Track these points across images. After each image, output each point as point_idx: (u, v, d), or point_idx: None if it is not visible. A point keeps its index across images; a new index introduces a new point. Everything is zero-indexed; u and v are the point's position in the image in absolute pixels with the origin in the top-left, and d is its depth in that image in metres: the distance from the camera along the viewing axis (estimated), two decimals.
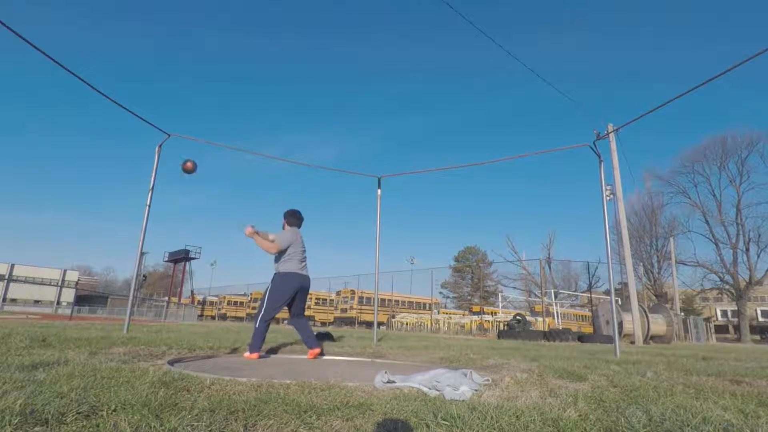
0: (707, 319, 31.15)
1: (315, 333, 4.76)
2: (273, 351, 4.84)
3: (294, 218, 4.73)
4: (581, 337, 13.95)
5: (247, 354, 4.11)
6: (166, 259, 49.44)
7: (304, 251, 4.62)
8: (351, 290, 30.21)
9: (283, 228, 4.70)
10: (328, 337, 6.98)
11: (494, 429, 1.49)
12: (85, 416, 1.42)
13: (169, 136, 6.47)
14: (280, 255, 4.45)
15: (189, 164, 4.71)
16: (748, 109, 62.09)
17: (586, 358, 5.08)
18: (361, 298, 29.17)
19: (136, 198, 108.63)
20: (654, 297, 32.65)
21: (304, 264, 4.55)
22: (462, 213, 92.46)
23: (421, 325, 25.32)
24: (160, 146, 6.42)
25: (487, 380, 2.61)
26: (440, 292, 47.64)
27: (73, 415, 1.41)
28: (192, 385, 2.07)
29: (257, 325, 4.24)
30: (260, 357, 4.17)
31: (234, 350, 4.50)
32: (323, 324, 29.91)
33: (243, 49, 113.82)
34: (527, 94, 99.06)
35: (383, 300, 29.46)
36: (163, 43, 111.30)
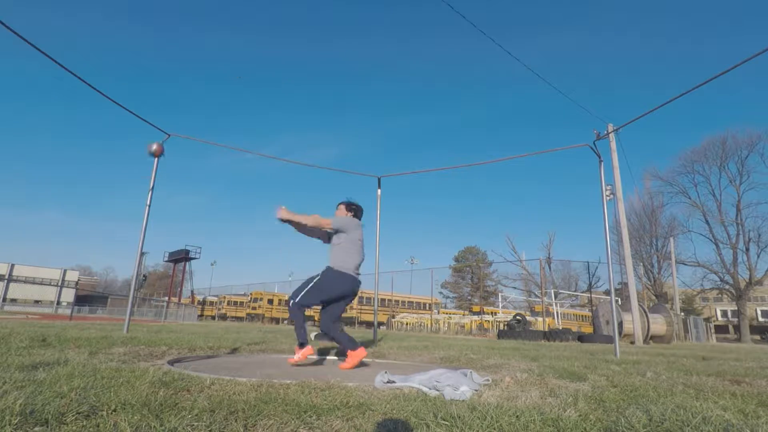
0: (707, 319, 31.17)
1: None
2: (273, 351, 4.83)
3: (354, 210, 4.08)
4: (581, 337, 13.94)
5: (293, 358, 3.59)
6: (166, 259, 49.41)
7: (362, 249, 3.94)
8: None
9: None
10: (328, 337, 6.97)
11: (494, 429, 1.49)
12: (85, 416, 1.42)
13: (169, 136, 6.47)
14: (337, 242, 3.85)
15: (155, 147, 4.58)
16: (749, 109, 62.18)
17: (586, 358, 5.08)
18: (361, 298, 29.15)
19: (136, 198, 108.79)
20: (654, 297, 32.65)
21: (360, 265, 3.91)
22: (462, 213, 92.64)
23: (421, 325, 25.31)
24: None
25: (487, 380, 2.61)
26: (440, 292, 47.73)
27: (73, 415, 1.41)
28: (192, 385, 2.07)
29: (290, 307, 3.71)
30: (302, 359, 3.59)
31: (234, 350, 4.50)
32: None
33: (243, 49, 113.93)
34: (527, 94, 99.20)
35: (383, 300, 29.46)
36: (163, 43, 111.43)
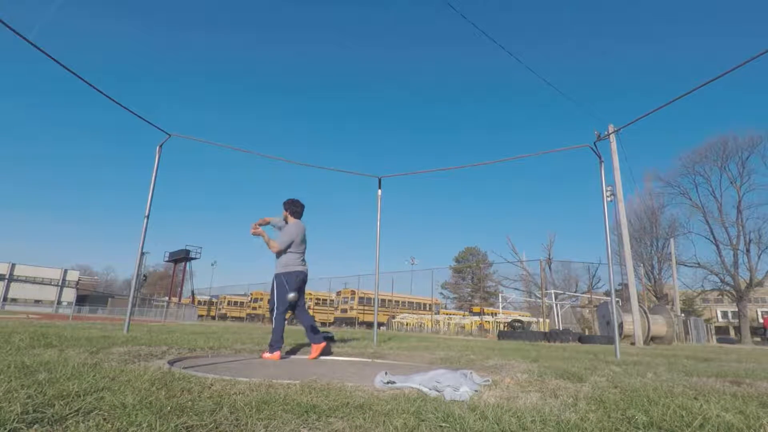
0: (708, 321, 31.12)
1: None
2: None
3: (297, 207, 4.73)
4: (581, 338, 13.95)
5: (267, 354, 4.12)
6: (167, 259, 49.43)
7: (305, 245, 4.66)
8: (351, 290, 30.20)
9: (286, 220, 4.74)
10: (328, 338, 6.98)
11: (494, 429, 1.49)
12: (85, 416, 1.43)
13: (169, 136, 6.47)
14: (280, 253, 4.55)
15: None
16: (750, 109, 62.15)
17: (586, 359, 5.08)
18: (361, 298, 29.15)
19: (136, 198, 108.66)
20: (654, 298, 32.58)
21: (303, 258, 4.62)
22: (462, 213, 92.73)
23: (421, 325, 25.30)
24: (161, 146, 6.42)
25: (488, 381, 2.61)
26: (440, 293, 47.57)
27: (73, 415, 1.41)
28: (193, 385, 2.07)
29: (274, 325, 4.35)
30: (281, 358, 4.20)
31: (234, 350, 4.50)
32: (323, 324, 29.92)
33: (243, 49, 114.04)
34: (528, 95, 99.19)
35: (383, 300, 29.45)
36: (164, 43, 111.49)
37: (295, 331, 10.44)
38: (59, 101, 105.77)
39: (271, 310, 4.47)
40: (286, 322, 4.49)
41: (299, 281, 4.50)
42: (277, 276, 4.48)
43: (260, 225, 4.59)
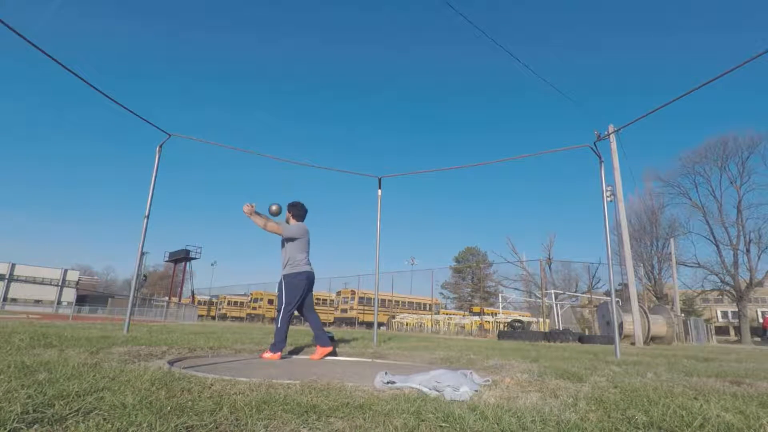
0: (708, 321, 31.09)
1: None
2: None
3: (300, 211, 4.63)
4: (581, 338, 13.95)
5: (268, 354, 4.09)
6: (167, 259, 49.43)
7: (308, 247, 4.62)
8: (351, 290, 30.23)
9: (288, 221, 4.65)
10: (330, 338, 6.97)
11: (494, 429, 1.49)
12: (85, 416, 1.42)
13: (170, 136, 6.47)
14: (288, 252, 4.44)
15: (274, 207, 4.63)
16: (750, 109, 62.14)
17: (586, 359, 5.08)
18: (361, 298, 29.18)
19: (136, 198, 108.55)
20: (654, 298, 32.56)
21: (308, 259, 4.57)
22: (462, 213, 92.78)
23: (421, 325, 25.32)
24: (161, 146, 6.42)
25: (488, 381, 2.61)
26: (440, 293, 47.62)
27: (73, 415, 1.41)
28: (193, 385, 2.07)
29: (279, 325, 4.27)
30: (282, 358, 4.17)
31: (235, 350, 4.50)
32: (323, 324, 29.91)
33: (243, 49, 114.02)
34: (528, 95, 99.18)
35: (383, 300, 29.46)
36: (163, 42, 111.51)
37: (295, 331, 10.44)
38: (59, 101, 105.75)
39: (278, 310, 4.36)
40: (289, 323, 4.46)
41: (308, 281, 4.46)
42: (285, 276, 4.40)
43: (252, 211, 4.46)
